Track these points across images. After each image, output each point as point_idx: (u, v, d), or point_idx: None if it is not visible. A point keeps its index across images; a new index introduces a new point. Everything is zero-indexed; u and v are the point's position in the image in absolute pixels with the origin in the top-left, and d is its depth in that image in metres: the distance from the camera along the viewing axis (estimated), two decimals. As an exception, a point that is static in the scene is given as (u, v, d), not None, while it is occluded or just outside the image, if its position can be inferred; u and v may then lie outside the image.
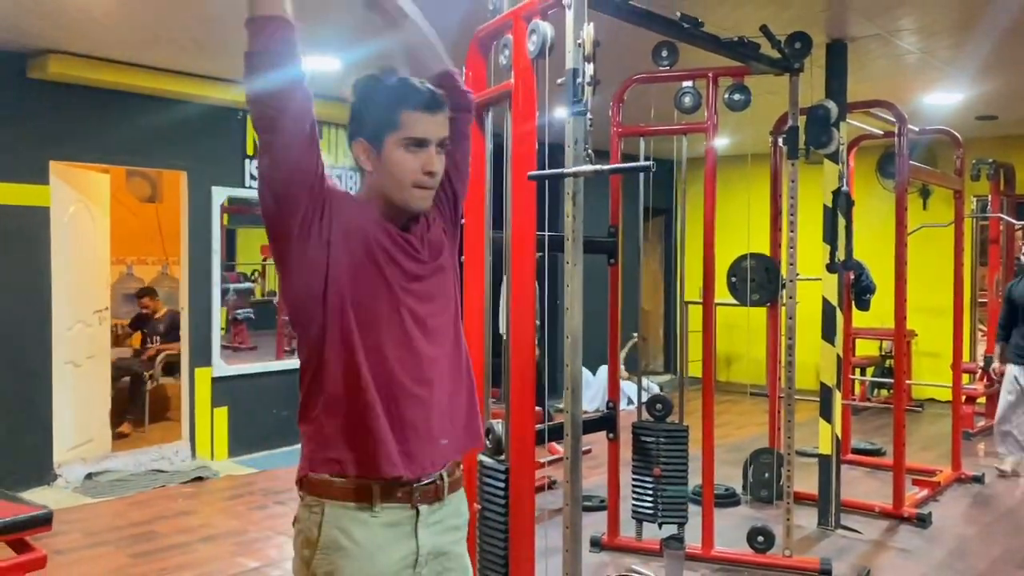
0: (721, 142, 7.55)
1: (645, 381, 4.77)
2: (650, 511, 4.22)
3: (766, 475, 5.15)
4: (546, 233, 3.08)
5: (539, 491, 3.27)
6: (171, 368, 7.24)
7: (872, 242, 6.64)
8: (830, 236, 4.57)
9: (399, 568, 1.66)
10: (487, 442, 3.08)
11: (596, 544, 4.42)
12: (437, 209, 1.83)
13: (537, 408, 3.13)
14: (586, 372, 7.11)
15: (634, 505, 4.29)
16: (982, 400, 7.55)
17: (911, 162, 5.38)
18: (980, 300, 8.21)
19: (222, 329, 6.63)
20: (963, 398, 6.55)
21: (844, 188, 4.57)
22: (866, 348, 8.64)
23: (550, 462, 5.11)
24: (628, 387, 7.04)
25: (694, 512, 4.29)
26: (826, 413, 4.70)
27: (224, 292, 6.71)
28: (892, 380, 6.69)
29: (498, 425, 3.07)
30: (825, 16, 4.45)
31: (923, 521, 4.86)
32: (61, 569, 4.09)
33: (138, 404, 6.99)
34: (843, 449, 5.49)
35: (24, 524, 3.08)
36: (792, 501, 4.28)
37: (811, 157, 4.54)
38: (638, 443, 4.27)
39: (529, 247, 2.94)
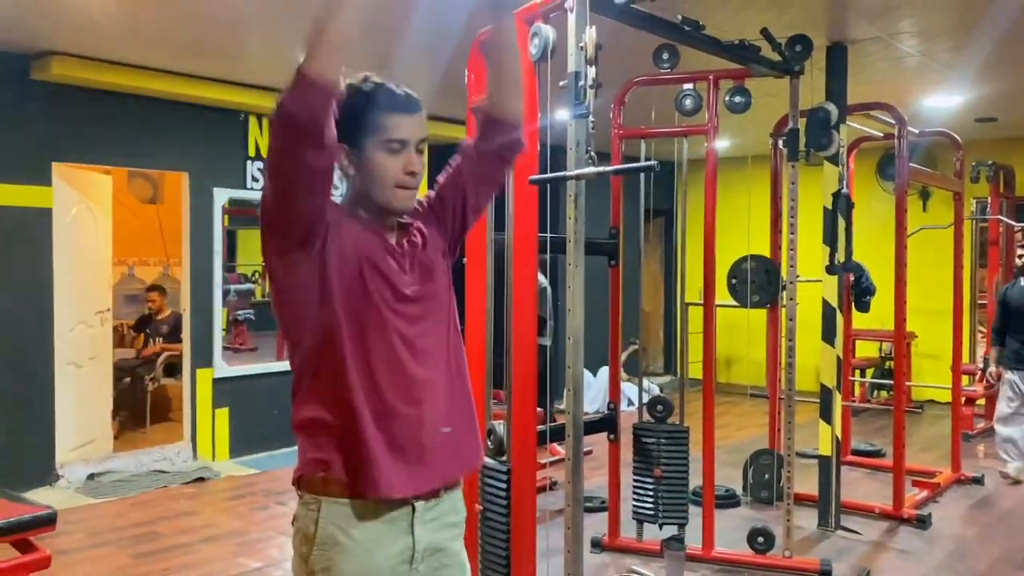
0: (721, 144, 7.55)
1: (645, 382, 4.77)
2: (651, 512, 4.23)
3: (766, 476, 5.16)
4: (548, 235, 3.10)
5: (540, 492, 3.28)
6: (172, 369, 7.26)
7: (872, 244, 6.66)
8: (830, 238, 4.59)
9: (396, 563, 1.67)
10: (489, 443, 3.10)
11: (597, 545, 4.43)
12: (439, 230, 1.83)
13: (538, 409, 3.15)
14: (586, 373, 7.12)
15: (635, 506, 4.30)
16: (982, 402, 7.55)
17: (911, 164, 5.39)
18: (980, 302, 8.21)
19: (223, 330, 6.64)
20: (963, 400, 6.55)
21: (844, 190, 4.58)
22: (866, 350, 8.65)
23: (551, 463, 5.13)
24: (629, 388, 7.05)
25: (694, 513, 4.30)
26: (826, 414, 4.72)
27: (225, 293, 6.72)
28: (892, 382, 6.70)
29: (500, 426, 3.08)
30: (825, 19, 4.47)
31: (923, 522, 4.87)
32: (64, 569, 4.10)
33: (137, 406, 6.99)
34: (843, 450, 5.50)
35: (28, 524, 3.10)
36: (792, 502, 4.29)
37: (811, 159, 4.55)
38: (639, 444, 4.28)
39: (531, 249, 2.95)
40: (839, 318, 4.70)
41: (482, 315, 3.19)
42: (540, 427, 3.14)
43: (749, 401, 8.14)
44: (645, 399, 4.50)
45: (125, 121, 5.76)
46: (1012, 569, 4.32)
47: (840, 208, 4.58)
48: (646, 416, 4.40)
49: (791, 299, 4.28)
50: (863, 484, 5.72)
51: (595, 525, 4.50)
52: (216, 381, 6.30)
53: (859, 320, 6.94)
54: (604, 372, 7.58)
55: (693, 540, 4.21)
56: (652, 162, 2.20)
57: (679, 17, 3.59)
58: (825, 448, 4.74)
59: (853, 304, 6.14)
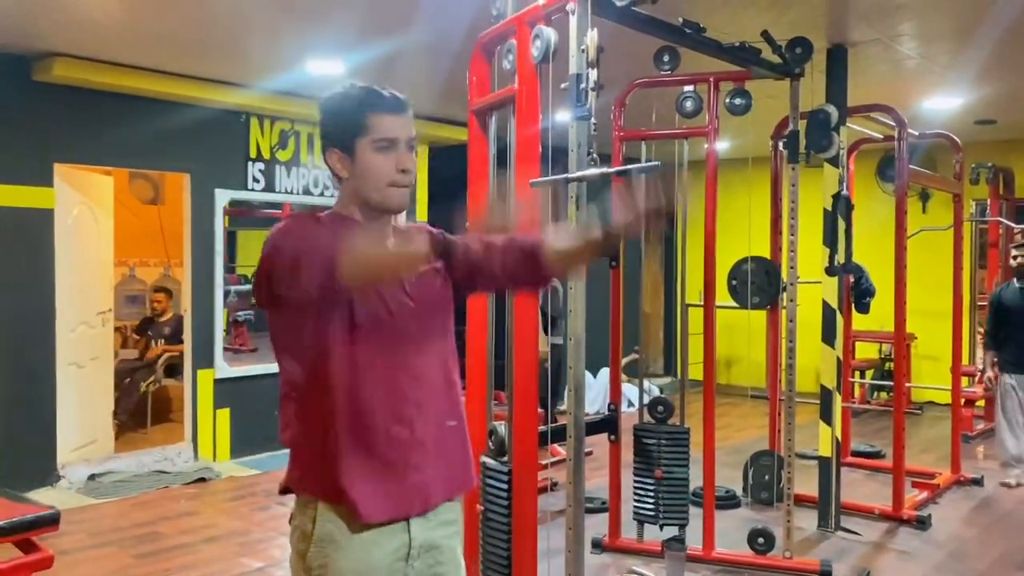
0: (722, 146, 7.57)
1: (646, 384, 4.79)
2: (651, 513, 4.24)
3: (766, 477, 5.17)
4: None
5: (541, 492, 3.29)
6: (172, 370, 7.26)
7: (872, 245, 6.67)
8: (830, 239, 4.60)
9: (392, 561, 1.69)
10: (490, 444, 3.11)
11: (597, 545, 4.44)
12: (445, 266, 1.80)
13: (539, 410, 3.16)
14: (587, 374, 7.12)
15: (635, 507, 4.31)
16: (981, 403, 7.56)
17: (911, 166, 5.40)
18: (979, 303, 8.21)
19: (223, 331, 6.65)
20: (962, 401, 6.55)
21: (844, 192, 4.60)
22: (866, 351, 8.66)
23: (552, 464, 5.13)
24: (629, 389, 7.06)
25: (695, 514, 4.31)
26: (826, 416, 4.73)
27: (225, 294, 6.73)
28: (892, 383, 6.70)
29: (501, 427, 3.09)
30: (826, 21, 4.48)
31: (922, 523, 4.88)
32: (66, 569, 4.10)
33: (136, 407, 6.99)
34: (843, 451, 5.51)
35: (31, 524, 3.11)
36: (792, 503, 4.30)
37: (811, 161, 4.56)
38: (639, 445, 4.29)
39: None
40: (839, 319, 4.72)
41: (483, 315, 3.20)
42: (541, 428, 3.15)
43: (749, 402, 8.16)
44: (646, 400, 4.51)
45: (127, 122, 5.77)
46: (1011, 570, 4.33)
47: (840, 210, 4.59)
48: (647, 417, 4.41)
49: (791, 300, 4.29)
50: (863, 485, 5.73)
51: (596, 526, 4.51)
52: (217, 382, 6.31)
53: (859, 321, 6.94)
54: (604, 373, 7.59)
55: (693, 541, 4.22)
56: (656, 163, 2.21)
57: (680, 19, 3.60)
58: (825, 449, 4.75)
59: (853, 305, 6.14)
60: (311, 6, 4.24)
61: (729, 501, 5.14)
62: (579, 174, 2.65)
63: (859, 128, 5.69)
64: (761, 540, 4.26)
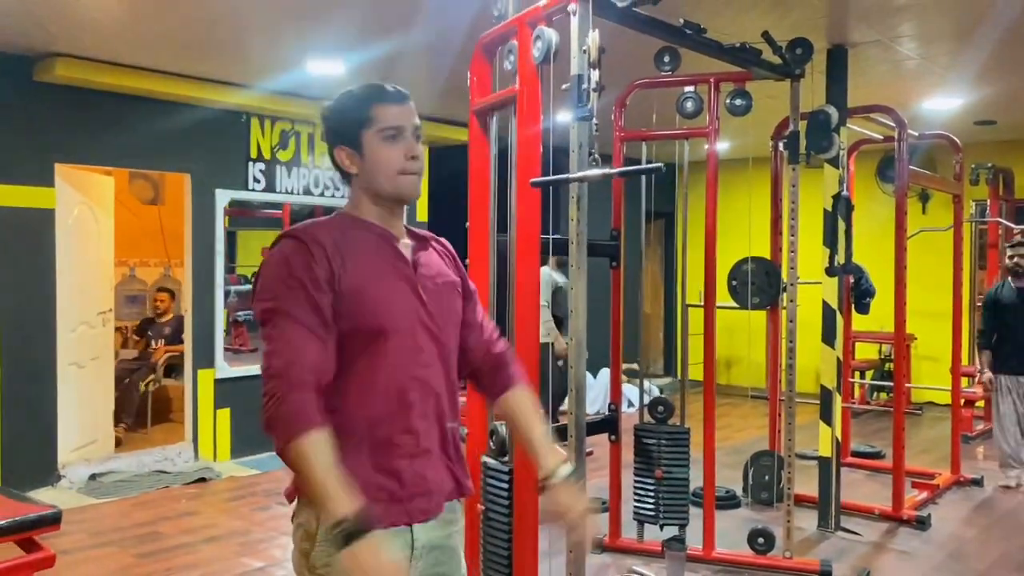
0: (722, 146, 7.58)
1: (646, 384, 4.79)
2: (652, 513, 4.25)
3: (766, 477, 5.17)
4: (550, 236, 3.11)
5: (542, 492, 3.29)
6: (173, 370, 7.26)
7: (872, 246, 6.68)
8: (830, 240, 4.60)
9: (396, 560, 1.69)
10: (491, 444, 3.11)
11: (598, 545, 4.45)
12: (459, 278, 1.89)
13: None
14: (587, 374, 7.13)
15: (636, 507, 4.32)
16: (981, 404, 7.57)
17: (910, 167, 5.41)
18: (979, 304, 8.22)
19: (223, 331, 6.65)
20: (962, 402, 6.55)
21: (844, 192, 4.60)
22: (866, 351, 8.67)
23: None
24: (629, 390, 7.07)
25: (695, 514, 4.32)
26: (826, 416, 4.73)
27: (225, 294, 6.73)
28: (892, 383, 6.72)
29: (502, 427, 3.09)
30: (826, 22, 4.49)
31: (922, 523, 4.89)
32: (67, 569, 4.11)
33: (135, 408, 6.99)
34: (843, 452, 5.52)
35: (33, 523, 3.11)
36: (792, 503, 4.30)
37: (811, 161, 4.57)
38: (640, 445, 4.30)
39: (533, 250, 2.97)
40: (839, 320, 4.72)
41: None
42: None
43: (749, 402, 8.17)
44: (646, 400, 4.52)
45: (127, 122, 5.77)
46: (1011, 570, 4.33)
47: (840, 210, 4.59)
48: (647, 417, 4.41)
49: (791, 301, 4.30)
50: (863, 485, 5.73)
51: (596, 526, 4.51)
52: (217, 382, 6.31)
53: (859, 322, 6.95)
54: (604, 373, 7.60)
55: (694, 541, 4.22)
56: (658, 164, 2.21)
57: (681, 20, 3.61)
58: (825, 449, 4.76)
59: (853, 306, 6.15)
60: (311, 6, 4.25)
61: (729, 501, 5.15)
62: (582, 174, 2.66)
63: (859, 129, 5.70)
64: (761, 540, 4.27)
